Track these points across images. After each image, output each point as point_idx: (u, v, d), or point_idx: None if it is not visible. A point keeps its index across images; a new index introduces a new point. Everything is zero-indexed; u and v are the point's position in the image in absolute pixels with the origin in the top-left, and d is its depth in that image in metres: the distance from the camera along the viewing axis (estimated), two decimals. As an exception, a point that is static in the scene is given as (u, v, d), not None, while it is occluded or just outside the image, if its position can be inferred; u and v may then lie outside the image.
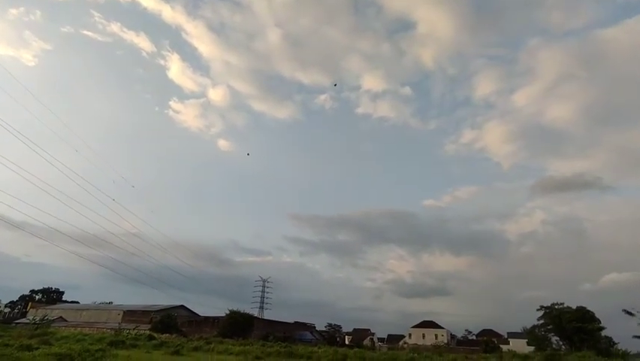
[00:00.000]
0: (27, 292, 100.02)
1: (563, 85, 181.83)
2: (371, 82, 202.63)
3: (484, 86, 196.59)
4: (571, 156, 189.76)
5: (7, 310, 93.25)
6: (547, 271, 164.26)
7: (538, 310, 58.34)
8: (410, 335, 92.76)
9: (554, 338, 56.67)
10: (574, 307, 54.43)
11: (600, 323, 52.35)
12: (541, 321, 57.56)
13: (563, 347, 53.31)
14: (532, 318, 60.60)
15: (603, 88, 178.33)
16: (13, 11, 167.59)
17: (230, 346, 31.82)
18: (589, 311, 53.22)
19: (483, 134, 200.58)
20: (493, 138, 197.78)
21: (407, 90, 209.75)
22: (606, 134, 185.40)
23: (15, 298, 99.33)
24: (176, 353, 23.42)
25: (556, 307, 55.95)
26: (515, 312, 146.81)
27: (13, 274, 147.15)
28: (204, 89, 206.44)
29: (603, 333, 52.74)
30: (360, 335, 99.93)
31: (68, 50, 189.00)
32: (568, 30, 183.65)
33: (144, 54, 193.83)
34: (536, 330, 59.53)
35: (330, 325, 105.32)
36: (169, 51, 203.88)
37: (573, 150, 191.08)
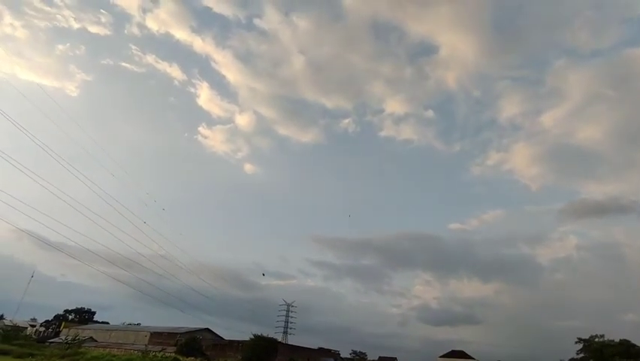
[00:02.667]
0: (61, 312, 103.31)
1: (592, 105, 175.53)
2: (394, 105, 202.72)
3: (510, 108, 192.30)
4: (604, 178, 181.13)
5: (42, 328, 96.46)
6: (584, 300, 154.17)
7: (576, 342, 54.91)
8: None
9: (597, 373, 52.95)
10: (616, 339, 50.93)
11: (647, 357, 48.59)
12: (582, 355, 54.02)
13: (607, 383, 49.63)
14: (568, 349, 57.15)
15: (635, 108, 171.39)
16: (60, 47, 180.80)
17: (253, 371, 31.58)
18: (634, 345, 49.60)
19: (510, 157, 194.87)
20: (521, 160, 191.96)
21: (430, 113, 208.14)
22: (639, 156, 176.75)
23: (50, 317, 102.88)
24: (200, 377, 23.50)
25: (596, 340, 52.51)
26: (550, 343, 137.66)
27: (50, 293, 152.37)
28: (231, 115, 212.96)
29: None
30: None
31: (107, 80, 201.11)
32: (595, 50, 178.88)
33: (176, 83, 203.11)
34: (576, 364, 55.88)
35: (354, 352, 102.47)
36: (199, 79, 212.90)
37: (606, 172, 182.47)
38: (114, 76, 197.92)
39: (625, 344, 49.51)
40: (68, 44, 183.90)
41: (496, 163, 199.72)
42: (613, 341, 50.89)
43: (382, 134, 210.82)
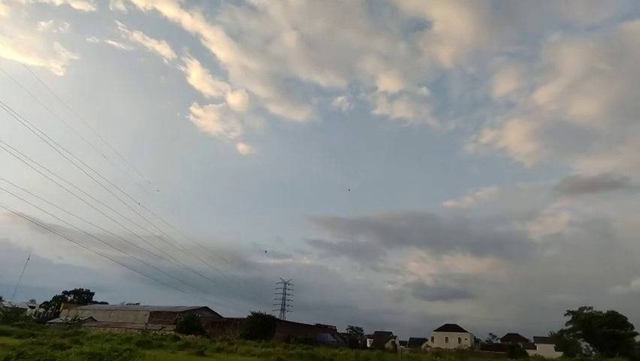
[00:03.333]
0: (60, 293, 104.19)
1: (587, 81, 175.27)
2: (387, 83, 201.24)
3: (504, 84, 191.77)
4: (597, 154, 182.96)
5: (41, 310, 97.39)
6: (575, 274, 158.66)
7: (565, 315, 56.66)
8: (433, 338, 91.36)
9: (584, 344, 54.97)
10: (604, 311, 52.54)
11: (633, 328, 50.32)
12: (570, 326, 55.81)
13: (594, 353, 51.51)
14: (559, 322, 59.09)
15: (630, 83, 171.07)
16: (43, 24, 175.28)
17: (252, 348, 32.32)
18: (621, 316, 51.27)
19: (504, 134, 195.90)
20: (515, 137, 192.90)
21: (424, 90, 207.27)
22: (633, 131, 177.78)
23: (49, 299, 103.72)
24: (200, 353, 23.99)
25: (584, 311, 54.13)
26: (541, 316, 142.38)
27: (48, 275, 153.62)
28: (223, 94, 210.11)
29: (637, 339, 50.71)
30: (382, 338, 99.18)
31: (94, 59, 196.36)
32: (591, 24, 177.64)
33: (165, 61, 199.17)
34: (564, 335, 57.79)
35: (351, 327, 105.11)
36: (189, 57, 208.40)
37: (599, 148, 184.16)
38: (101, 54, 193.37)
39: (612, 315, 51.15)
40: (52, 21, 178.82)
41: (491, 141, 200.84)
42: (600, 312, 52.53)
43: (376, 112, 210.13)
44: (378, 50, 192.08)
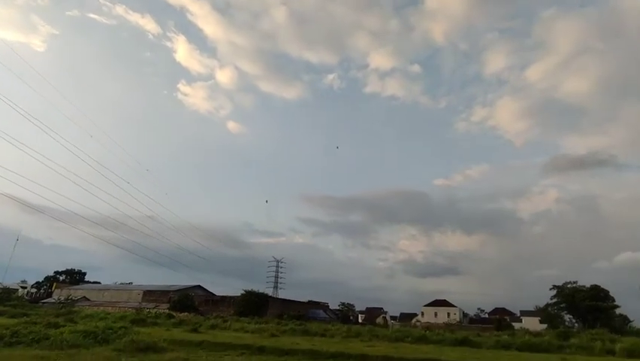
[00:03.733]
0: (51, 274, 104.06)
1: (579, 58, 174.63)
2: (379, 60, 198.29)
3: (496, 62, 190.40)
4: (586, 132, 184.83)
5: (33, 290, 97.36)
6: (561, 250, 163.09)
7: (551, 289, 58.47)
8: (423, 313, 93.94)
9: (567, 316, 56.94)
10: (588, 285, 54.33)
11: (614, 301, 52.25)
12: (555, 300, 57.70)
13: (576, 324, 53.51)
14: (545, 297, 60.96)
15: (620, 61, 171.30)
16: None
17: (245, 324, 32.85)
18: (603, 290, 53.11)
19: (494, 112, 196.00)
20: (505, 115, 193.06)
21: (416, 68, 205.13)
22: (623, 110, 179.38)
23: (40, 279, 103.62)
24: (194, 330, 24.30)
25: (569, 286, 55.94)
26: (528, 291, 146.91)
27: (38, 256, 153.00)
28: (212, 70, 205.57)
29: (618, 311, 52.71)
30: (373, 313, 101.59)
31: (76, 34, 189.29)
32: (585, 0, 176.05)
33: (150, 36, 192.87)
34: (549, 308, 59.76)
35: (343, 304, 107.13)
36: (175, 33, 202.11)
37: (588, 126, 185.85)
38: (82, 29, 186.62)
39: (595, 289, 52.99)
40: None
41: (482, 119, 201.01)
42: (584, 286, 54.36)
43: (367, 90, 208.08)
44: (370, 26, 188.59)
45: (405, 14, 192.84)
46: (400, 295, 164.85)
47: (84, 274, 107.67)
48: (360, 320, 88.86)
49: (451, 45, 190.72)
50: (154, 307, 51.97)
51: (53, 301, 61.92)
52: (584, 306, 50.92)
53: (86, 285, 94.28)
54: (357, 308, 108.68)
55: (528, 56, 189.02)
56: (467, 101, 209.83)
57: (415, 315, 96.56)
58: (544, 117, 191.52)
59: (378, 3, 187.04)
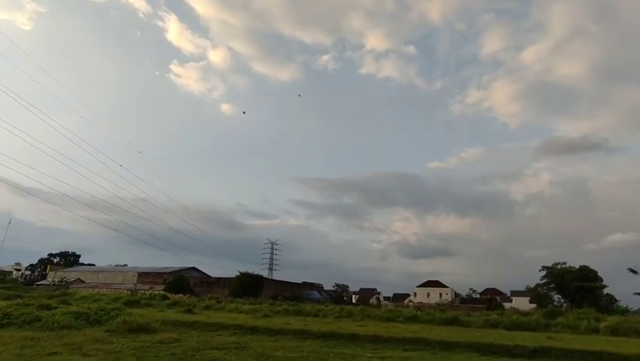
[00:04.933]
0: (45, 256, 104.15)
1: (574, 41, 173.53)
2: (374, 41, 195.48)
3: (492, 43, 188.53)
4: (578, 115, 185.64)
5: (27, 272, 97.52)
6: (552, 232, 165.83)
7: (540, 270, 59.57)
8: (415, 293, 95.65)
9: (556, 296, 58.23)
10: (577, 266, 55.40)
11: (602, 281, 53.41)
12: (544, 280, 58.91)
13: (565, 304, 54.80)
14: (535, 277, 62.17)
15: (615, 44, 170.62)
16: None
17: (240, 305, 33.21)
18: (592, 270, 54.20)
19: (489, 94, 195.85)
20: (500, 98, 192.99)
21: (411, 49, 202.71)
22: (616, 93, 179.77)
23: (34, 262, 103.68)
24: (189, 311, 24.54)
25: (558, 266, 57.02)
26: (519, 272, 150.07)
27: (31, 238, 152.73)
28: (204, 51, 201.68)
29: (605, 291, 53.97)
30: (367, 294, 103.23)
31: (62, 11, 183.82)
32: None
33: (141, 15, 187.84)
34: (539, 289, 61.06)
35: (337, 285, 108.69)
36: (166, 11, 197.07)
37: (581, 109, 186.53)
38: (70, 7, 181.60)
39: (584, 270, 54.08)
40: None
41: (477, 101, 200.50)
42: (573, 267, 55.43)
43: (362, 71, 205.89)
44: (365, 5, 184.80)
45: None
46: (393, 276, 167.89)
47: (78, 256, 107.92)
48: (354, 301, 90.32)
49: (448, 25, 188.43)
50: (149, 289, 52.35)
51: (47, 283, 62.09)
52: (573, 286, 52.06)
53: (80, 267, 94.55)
54: (352, 289, 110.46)
55: (525, 38, 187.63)
56: (462, 83, 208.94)
57: (408, 296, 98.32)
58: (538, 100, 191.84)
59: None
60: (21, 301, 20.43)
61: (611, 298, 52.57)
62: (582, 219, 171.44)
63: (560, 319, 24.90)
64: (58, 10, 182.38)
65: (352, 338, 14.23)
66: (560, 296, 57.36)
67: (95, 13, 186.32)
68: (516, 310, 39.80)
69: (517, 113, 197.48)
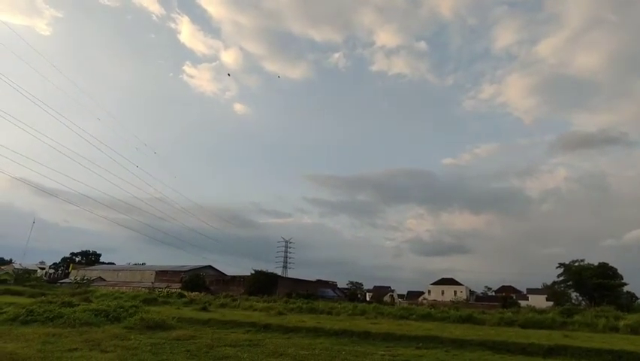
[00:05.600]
0: (68, 255, 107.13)
1: (591, 32, 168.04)
2: (385, 37, 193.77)
3: (505, 37, 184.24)
4: (596, 109, 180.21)
5: (51, 271, 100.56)
6: (569, 228, 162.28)
7: (557, 267, 58.46)
8: (429, 291, 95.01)
9: (574, 294, 57.09)
10: (595, 263, 54.19)
11: (622, 279, 52.12)
12: (562, 278, 57.80)
13: (583, 302, 53.69)
14: (552, 275, 61.11)
15: (634, 34, 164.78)
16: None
17: (254, 303, 33.61)
18: (611, 268, 52.97)
19: (503, 89, 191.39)
20: (514, 92, 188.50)
21: (422, 45, 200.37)
22: (634, 85, 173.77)
23: (57, 261, 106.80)
24: (204, 309, 25.03)
25: (576, 264, 55.82)
26: (535, 269, 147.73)
27: (55, 238, 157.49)
28: (216, 52, 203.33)
29: (625, 289, 52.68)
30: (381, 292, 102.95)
31: (80, 16, 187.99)
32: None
33: (154, 18, 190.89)
34: (556, 286, 59.95)
35: (351, 282, 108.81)
36: (178, 14, 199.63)
37: (599, 102, 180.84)
38: (86, 11, 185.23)
39: (603, 267, 52.83)
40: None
41: (490, 96, 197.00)
42: (592, 264, 54.19)
43: (374, 68, 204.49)
44: (376, 2, 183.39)
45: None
46: (407, 273, 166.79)
47: (99, 255, 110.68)
48: (367, 299, 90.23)
49: (459, 20, 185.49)
50: (166, 287, 53.38)
51: (70, 281, 63.95)
52: (591, 284, 50.94)
53: (101, 265, 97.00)
54: (365, 287, 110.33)
55: (539, 30, 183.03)
56: (475, 78, 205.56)
57: (422, 293, 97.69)
58: (553, 94, 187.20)
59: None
60: (45, 298, 21.17)
61: (632, 296, 51.35)
62: (600, 215, 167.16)
63: (577, 317, 24.45)
64: (75, 15, 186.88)
65: (365, 335, 14.33)
66: (577, 294, 56.26)
67: (110, 17, 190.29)
68: (532, 308, 39.23)
69: (531, 107, 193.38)
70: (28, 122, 68.41)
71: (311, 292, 62.17)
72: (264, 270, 61.63)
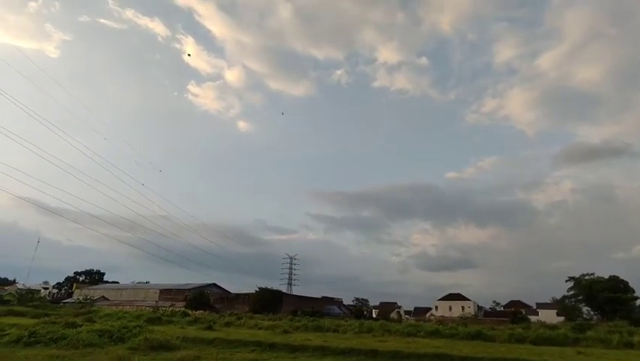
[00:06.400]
0: (71, 274, 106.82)
1: (591, 45, 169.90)
2: (386, 54, 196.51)
3: (506, 51, 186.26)
4: (599, 120, 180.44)
5: (55, 291, 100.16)
6: (577, 241, 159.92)
7: (567, 281, 57.44)
8: (437, 307, 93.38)
9: (585, 308, 55.91)
10: (606, 276, 53.14)
11: (634, 292, 51.07)
12: (572, 292, 56.72)
13: (595, 317, 52.51)
14: (561, 289, 60.06)
15: (634, 46, 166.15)
16: (33, 4, 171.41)
17: (259, 321, 33.15)
18: (622, 281, 51.94)
19: (505, 102, 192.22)
20: (516, 106, 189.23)
21: (424, 61, 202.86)
22: (638, 96, 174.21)
23: (61, 280, 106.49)
24: (209, 328, 24.68)
25: (586, 277, 54.81)
26: (544, 283, 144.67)
27: (58, 257, 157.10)
28: (220, 70, 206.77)
29: (638, 303, 51.51)
30: (387, 308, 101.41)
31: (87, 39, 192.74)
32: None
33: (160, 39, 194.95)
34: (566, 301, 58.79)
35: (357, 299, 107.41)
36: (183, 34, 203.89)
37: (602, 114, 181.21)
38: (94, 34, 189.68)
39: (613, 280, 51.78)
40: (41, 1, 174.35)
41: (492, 110, 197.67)
42: (602, 277, 53.14)
43: (376, 84, 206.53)
44: (377, 20, 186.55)
45: (411, 6, 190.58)
46: (414, 289, 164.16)
47: (103, 274, 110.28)
48: (374, 315, 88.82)
49: (459, 36, 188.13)
50: (170, 306, 52.86)
51: (73, 301, 63.52)
52: (603, 298, 49.87)
53: (104, 285, 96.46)
54: (372, 303, 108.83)
55: (539, 45, 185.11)
56: (477, 93, 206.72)
57: (430, 309, 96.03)
58: (556, 107, 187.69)
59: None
60: (48, 319, 20.99)
61: (645, 310, 50.14)
62: (609, 227, 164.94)
63: (589, 333, 23.91)
64: (83, 37, 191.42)
65: (372, 354, 14.04)
66: (589, 308, 55.03)
67: (117, 38, 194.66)
68: (543, 324, 38.38)
69: (534, 120, 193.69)
70: (35, 142, 69.54)
71: (316, 309, 61.32)
72: (269, 287, 61.00)
